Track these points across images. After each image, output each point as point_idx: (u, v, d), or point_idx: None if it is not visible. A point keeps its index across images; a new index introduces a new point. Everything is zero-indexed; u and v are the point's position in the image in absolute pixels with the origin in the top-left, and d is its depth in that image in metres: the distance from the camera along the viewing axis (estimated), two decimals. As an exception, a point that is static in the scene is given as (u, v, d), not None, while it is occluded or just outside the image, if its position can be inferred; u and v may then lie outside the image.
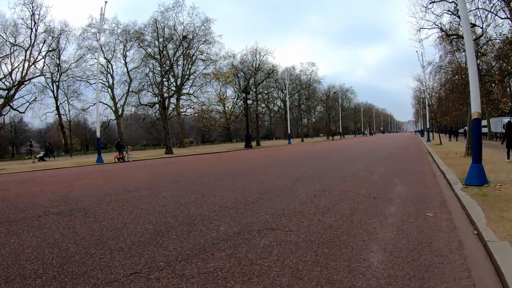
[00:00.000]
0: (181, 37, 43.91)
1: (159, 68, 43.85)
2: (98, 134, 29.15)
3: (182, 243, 4.83)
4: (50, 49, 43.60)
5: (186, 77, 51.05)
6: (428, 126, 49.48)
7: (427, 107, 45.75)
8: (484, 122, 48.14)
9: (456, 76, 34.79)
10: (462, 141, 43.82)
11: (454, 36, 21.54)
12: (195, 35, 46.16)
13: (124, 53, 51.89)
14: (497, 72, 23.42)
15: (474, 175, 8.68)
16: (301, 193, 8.69)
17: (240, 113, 68.68)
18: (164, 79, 44.89)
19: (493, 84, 24.94)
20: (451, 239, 4.77)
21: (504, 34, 22.33)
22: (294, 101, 79.13)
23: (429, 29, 20.77)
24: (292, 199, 7.95)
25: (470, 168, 8.96)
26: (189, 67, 50.62)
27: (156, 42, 42.32)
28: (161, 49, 42.17)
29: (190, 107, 57.63)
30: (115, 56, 52.73)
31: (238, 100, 69.45)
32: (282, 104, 79.58)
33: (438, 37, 22.76)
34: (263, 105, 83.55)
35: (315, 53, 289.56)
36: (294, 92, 77.86)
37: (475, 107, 9.03)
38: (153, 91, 51.17)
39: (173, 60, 46.37)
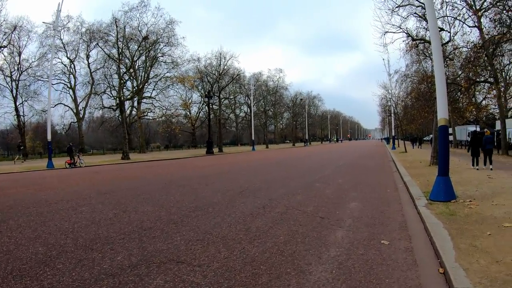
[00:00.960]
0: (142, 37, 41.97)
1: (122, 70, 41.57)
2: (49, 137, 26.59)
3: (63, 276, 3.89)
4: (1, 45, 40.37)
5: (146, 79, 48.95)
6: (393, 133, 49.75)
7: (392, 114, 45.96)
8: (449, 130, 48.92)
9: (423, 85, 35.07)
10: (427, 148, 44.40)
11: (421, 41, 21.04)
12: (159, 36, 44.56)
13: (87, 53, 49.16)
14: (463, 81, 23.31)
15: (440, 189, 7.57)
16: (236, 211, 7.28)
17: (206, 119, 66.62)
18: (125, 81, 42.54)
19: (459, 93, 24.92)
20: (409, 283, 3.47)
21: (472, 42, 22.31)
22: (260, 107, 78.24)
23: (394, 33, 20.22)
24: (222, 219, 6.52)
25: (435, 182, 7.86)
26: (149, 69, 48.59)
27: (117, 43, 40.09)
28: (120, 49, 39.91)
29: (151, 111, 55.45)
30: (79, 56, 49.85)
31: (204, 105, 67.57)
32: (248, 110, 78.50)
33: (405, 44, 22.28)
34: (229, 111, 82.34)
35: (285, 61, 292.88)
36: (261, 98, 76.97)
37: (442, 113, 7.96)
38: (110, 93, 48.73)
39: (133, 62, 44.20)
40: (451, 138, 43.31)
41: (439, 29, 17.25)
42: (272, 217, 6.67)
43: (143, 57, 47.01)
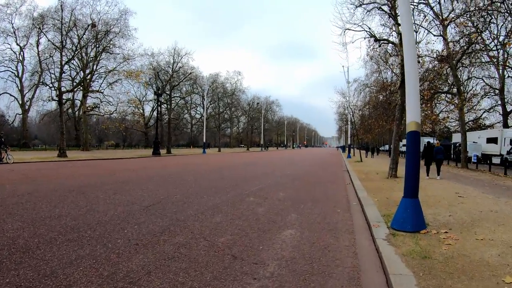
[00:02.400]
0: (89, 25, 38.19)
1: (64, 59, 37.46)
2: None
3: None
4: None
5: (91, 71, 45.00)
6: (349, 142, 49.15)
7: (349, 122, 45.44)
8: (405, 141, 49.38)
9: (382, 94, 34.51)
10: (383, 157, 44.10)
11: (384, 41, 19.73)
12: (110, 26, 41.16)
13: (38, 40, 44.47)
14: (425, 91, 22.66)
15: (408, 216, 5.61)
16: (122, 237, 5.10)
17: (161, 118, 62.84)
18: (67, 71, 38.78)
19: (420, 102, 24.38)
20: None
21: (436, 51, 21.77)
22: (215, 108, 75.86)
23: (355, 31, 18.74)
24: (91, 251, 4.28)
25: (400, 205, 5.91)
26: (96, 61, 44.64)
27: (61, 29, 35.94)
28: (64, 36, 35.78)
29: (97, 106, 51.29)
30: (30, 43, 45.65)
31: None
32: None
33: (366, 48, 21.27)
34: (185, 111, 79.17)
35: (248, 67, 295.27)
36: (216, 99, 74.58)
37: (413, 115, 6.02)
38: (52, 84, 44.28)
39: (77, 51, 40.10)
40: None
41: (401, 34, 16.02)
42: (161, 253, 4.48)
43: (87, 47, 43.27)
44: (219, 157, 37.45)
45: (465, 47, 22.11)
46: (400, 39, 16.38)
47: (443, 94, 25.73)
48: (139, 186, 10.97)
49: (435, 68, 22.41)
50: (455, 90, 23.69)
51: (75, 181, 12.12)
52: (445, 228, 5.73)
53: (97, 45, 42.49)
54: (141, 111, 66.07)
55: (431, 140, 41.97)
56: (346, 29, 18.24)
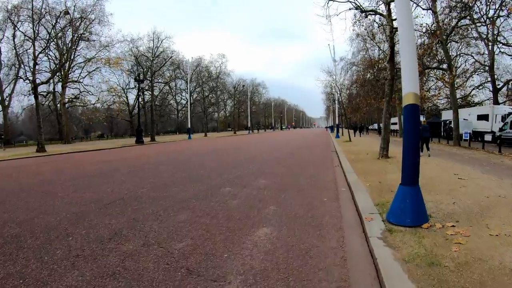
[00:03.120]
0: (61, 12, 36.09)
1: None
2: None
3: None
4: None
5: (66, 60, 42.82)
6: (337, 122, 48.22)
7: (337, 102, 44.52)
8: (394, 119, 49.09)
9: (369, 72, 33.52)
10: (372, 136, 43.28)
11: (371, 13, 18.57)
12: (87, 13, 39.24)
13: (14, 32, 41.80)
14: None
15: (406, 207, 4.66)
16: (59, 249, 4.27)
17: (143, 105, 61.04)
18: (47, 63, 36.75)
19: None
20: None
21: (426, 24, 20.85)
22: (200, 93, 74.32)
23: (339, 2, 17.53)
24: (12, 270, 3.22)
25: (397, 193, 4.94)
26: (72, 49, 42.73)
27: (32, 17, 33.76)
28: (35, 26, 33.62)
29: (77, 97, 49.29)
30: (6, 36, 42.90)
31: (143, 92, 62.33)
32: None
33: (352, 23, 20.05)
34: (170, 97, 77.52)
35: (234, 50, 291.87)
36: (201, 84, 72.92)
37: (411, 86, 4.94)
38: (25, 76, 42.17)
39: (50, 40, 37.98)
40: (396, 127, 43.41)
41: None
42: (101, 267, 3.61)
43: (67, 36, 41.30)
44: (203, 142, 36.31)
45: (455, 20, 21.37)
46: (389, 10, 15.31)
47: (433, 71, 24.85)
48: (106, 180, 9.89)
49: (425, 43, 21.49)
50: (445, 66, 22.83)
51: (36, 179, 10.96)
52: (451, 220, 4.82)
53: (73, 33, 40.48)
54: (125, 99, 64.24)
55: (422, 118, 41.62)
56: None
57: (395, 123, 46.35)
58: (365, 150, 18.40)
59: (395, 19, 14.10)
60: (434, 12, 21.01)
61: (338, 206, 6.21)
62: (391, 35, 13.64)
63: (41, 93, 44.81)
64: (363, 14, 17.79)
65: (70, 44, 42.51)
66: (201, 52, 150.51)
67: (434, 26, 20.91)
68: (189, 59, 63.00)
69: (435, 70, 24.20)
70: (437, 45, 20.85)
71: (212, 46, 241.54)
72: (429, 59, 22.50)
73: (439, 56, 23.13)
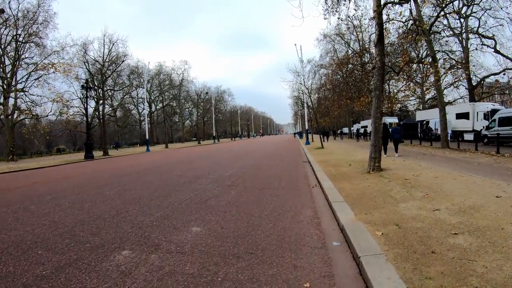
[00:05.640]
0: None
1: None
2: None
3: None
4: None
5: (3, 68, 37.88)
6: (306, 127, 44.94)
7: (305, 105, 41.41)
8: (365, 122, 46.79)
9: (340, 73, 30.58)
10: (344, 141, 39.77)
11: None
12: (31, 14, 35.53)
13: None
14: (399, 58, 19.59)
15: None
16: None
17: (102, 117, 55.84)
18: None
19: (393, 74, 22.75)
20: None
21: (404, 15, 18.67)
22: (162, 101, 70.09)
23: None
24: None
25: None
26: (5, 54, 37.63)
27: None
28: None
29: (18, 108, 43.45)
30: None
31: (101, 102, 56.99)
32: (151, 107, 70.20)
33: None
34: (131, 107, 72.40)
35: (201, 60, 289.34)
36: (162, 91, 68.60)
37: None
38: None
39: None
40: (367, 130, 41.74)
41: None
42: None
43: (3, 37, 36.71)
44: (160, 155, 31.83)
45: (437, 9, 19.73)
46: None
47: (418, 65, 22.72)
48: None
49: (406, 35, 19.00)
50: (430, 58, 20.46)
51: None
52: None
53: (16, 35, 36.31)
54: (83, 110, 58.74)
55: (396, 120, 39.34)
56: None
57: (365, 126, 44.67)
58: (344, 160, 15.01)
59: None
60: (416, 2, 18.65)
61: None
62: (379, 10, 10.30)
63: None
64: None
65: (4, 46, 37.29)
66: (164, 59, 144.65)
67: (416, 16, 18.47)
68: (147, 64, 58.60)
69: (420, 65, 22.19)
70: (420, 35, 18.21)
71: (175, 54, 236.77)
72: (410, 50, 20.48)
73: (423, 48, 21.27)
